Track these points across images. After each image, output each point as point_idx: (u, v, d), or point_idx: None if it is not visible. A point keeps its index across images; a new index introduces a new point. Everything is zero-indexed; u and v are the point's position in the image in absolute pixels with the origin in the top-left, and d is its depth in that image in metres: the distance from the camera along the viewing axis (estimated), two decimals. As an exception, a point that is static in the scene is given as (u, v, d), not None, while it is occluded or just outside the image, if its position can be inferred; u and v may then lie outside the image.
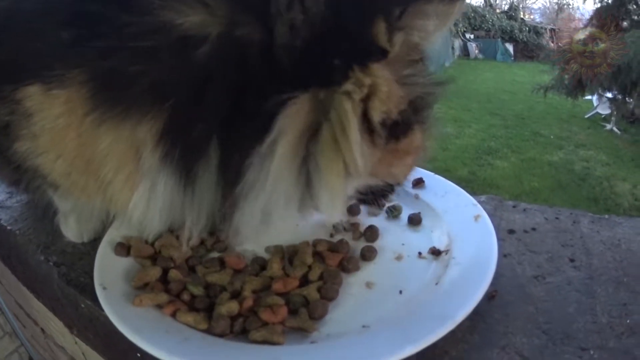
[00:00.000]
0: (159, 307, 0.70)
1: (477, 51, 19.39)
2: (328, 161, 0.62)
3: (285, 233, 0.84)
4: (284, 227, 0.81)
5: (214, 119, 0.60)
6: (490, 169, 7.82)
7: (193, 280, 0.74)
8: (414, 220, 0.90)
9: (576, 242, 0.83)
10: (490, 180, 7.23)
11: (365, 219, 0.92)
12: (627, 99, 8.49)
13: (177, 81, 0.59)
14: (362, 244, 0.84)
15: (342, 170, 0.63)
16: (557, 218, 0.91)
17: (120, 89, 0.60)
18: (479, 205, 0.87)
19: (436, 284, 0.73)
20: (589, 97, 9.51)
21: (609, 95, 8.80)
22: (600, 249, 0.81)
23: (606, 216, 0.91)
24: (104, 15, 0.59)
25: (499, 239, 0.78)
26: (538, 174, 7.59)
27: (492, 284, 0.69)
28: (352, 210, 0.92)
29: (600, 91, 8.78)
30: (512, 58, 19.13)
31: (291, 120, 0.59)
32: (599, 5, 8.59)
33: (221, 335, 0.66)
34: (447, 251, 0.80)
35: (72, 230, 0.91)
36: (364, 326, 0.66)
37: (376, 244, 0.84)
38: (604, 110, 9.60)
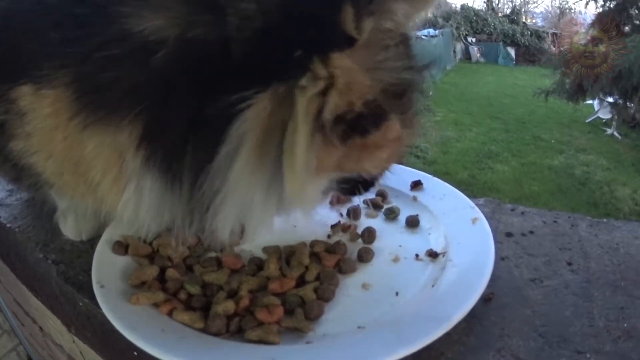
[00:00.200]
0: (156, 305, 0.70)
1: (478, 55, 19.40)
2: (288, 161, 0.59)
3: (282, 234, 0.84)
4: (281, 227, 0.81)
5: (183, 124, 0.58)
6: (490, 172, 7.84)
7: (190, 279, 0.74)
8: (412, 223, 0.90)
9: (574, 245, 0.83)
10: (491, 184, 7.24)
11: (362, 220, 0.92)
12: (628, 103, 8.50)
13: (144, 88, 0.58)
14: (359, 245, 0.84)
15: (301, 170, 0.59)
16: (555, 221, 0.91)
17: (98, 94, 0.60)
18: (476, 208, 0.87)
19: (433, 286, 0.73)
20: (590, 101, 9.53)
21: (610, 99, 8.82)
22: (598, 253, 0.81)
23: (604, 220, 0.91)
24: (85, 20, 0.59)
25: (496, 242, 0.78)
26: (538, 178, 7.61)
27: (489, 286, 0.69)
28: (353, 214, 0.92)
29: (601, 95, 8.79)
30: (514, 62, 19.14)
31: (251, 122, 0.56)
32: (600, 9, 8.60)
33: (217, 334, 0.66)
34: (444, 253, 0.79)
35: (70, 228, 0.91)
36: (359, 327, 0.66)
37: (373, 246, 0.84)
38: (605, 114, 9.62)
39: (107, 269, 0.77)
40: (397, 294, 0.73)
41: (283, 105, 0.56)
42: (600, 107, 9.63)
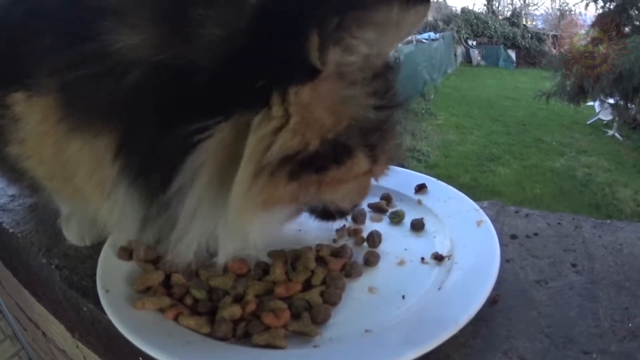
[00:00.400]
0: (162, 310, 0.70)
1: (479, 58, 19.41)
2: (232, 197, 0.57)
3: (287, 238, 0.84)
4: (286, 232, 0.82)
5: (150, 146, 0.58)
6: (492, 175, 7.84)
7: (196, 284, 0.74)
8: (417, 226, 0.90)
9: (578, 247, 0.83)
10: (493, 187, 7.24)
11: (367, 224, 0.92)
12: (629, 105, 8.50)
13: (118, 106, 0.58)
14: (364, 249, 0.84)
15: (240, 208, 0.58)
16: (559, 223, 0.91)
17: (80, 104, 0.60)
18: (481, 211, 0.87)
19: (439, 288, 0.73)
20: (591, 103, 9.53)
21: (611, 101, 8.82)
22: (602, 254, 0.81)
23: (608, 221, 0.91)
24: (71, 30, 0.59)
25: (501, 244, 0.78)
26: (540, 181, 7.61)
27: (495, 288, 0.69)
28: (358, 218, 0.92)
29: (602, 97, 8.79)
30: (515, 64, 19.13)
31: (208, 154, 0.55)
32: (600, 10, 8.61)
33: (223, 339, 0.66)
34: (449, 256, 0.79)
35: (74, 233, 0.91)
36: (366, 330, 0.66)
37: (379, 249, 0.84)
38: (606, 116, 9.62)
39: (112, 274, 0.77)
40: (403, 297, 0.73)
41: (241, 137, 0.55)
42: (601, 109, 9.63)
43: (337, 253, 0.81)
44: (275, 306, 0.69)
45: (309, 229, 0.87)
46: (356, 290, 0.75)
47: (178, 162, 0.56)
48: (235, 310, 0.68)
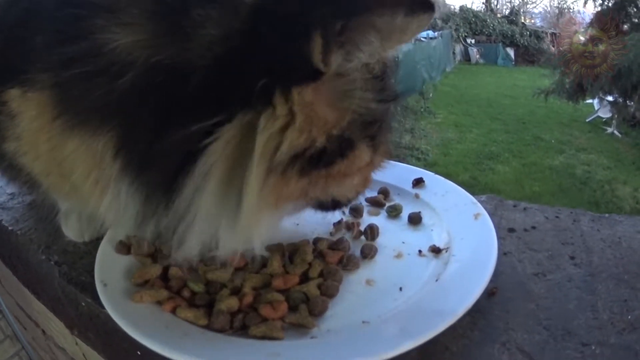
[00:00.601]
0: (159, 303, 0.70)
1: (478, 56, 19.41)
2: (244, 197, 0.57)
3: (285, 232, 0.84)
4: (284, 226, 0.82)
5: (150, 147, 0.57)
6: (491, 173, 7.85)
7: (193, 277, 0.74)
8: (414, 219, 0.90)
9: (576, 240, 0.83)
10: (492, 185, 7.25)
11: (365, 218, 0.92)
12: (628, 102, 8.50)
13: (114, 106, 0.57)
14: (362, 242, 0.84)
15: (253, 209, 0.58)
16: (557, 217, 0.91)
17: (76, 101, 0.60)
18: (478, 204, 0.88)
19: (436, 280, 0.73)
20: (589, 100, 9.53)
21: (610, 98, 8.82)
22: (600, 247, 0.81)
23: (606, 215, 0.91)
24: (65, 28, 0.59)
25: (499, 238, 0.78)
26: (539, 179, 7.62)
27: (493, 281, 0.69)
28: (356, 212, 0.92)
29: (601, 95, 8.79)
30: (513, 62, 19.14)
31: (217, 156, 0.55)
32: (599, 8, 8.61)
33: (221, 330, 0.66)
34: (447, 249, 0.80)
35: (72, 229, 0.91)
36: (363, 322, 0.66)
37: (376, 243, 0.84)
38: (605, 113, 9.62)
39: (110, 268, 0.78)
40: (400, 289, 0.73)
41: (248, 136, 0.55)
42: (600, 106, 9.64)
43: (335, 246, 0.81)
44: (272, 298, 0.69)
45: (307, 223, 0.87)
46: (353, 283, 0.76)
47: (184, 162, 0.56)
48: (233, 303, 0.69)
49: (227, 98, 0.54)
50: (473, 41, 19.99)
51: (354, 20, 0.51)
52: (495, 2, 23.87)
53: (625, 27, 8.13)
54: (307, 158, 0.58)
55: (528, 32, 20.18)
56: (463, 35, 19.55)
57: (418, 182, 0.99)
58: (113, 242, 0.83)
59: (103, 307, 0.70)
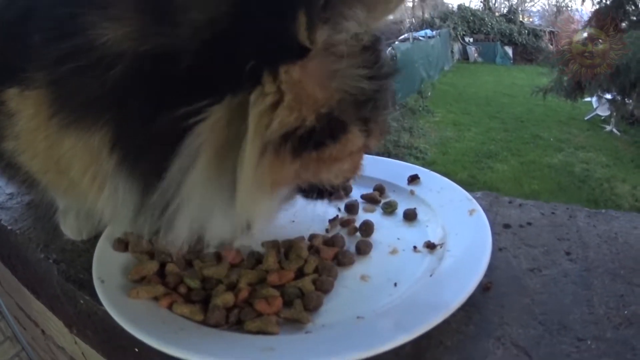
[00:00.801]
0: (156, 299, 0.70)
1: (476, 54, 19.39)
2: (240, 177, 0.57)
3: (281, 228, 0.85)
4: (279, 222, 0.83)
5: (142, 135, 0.58)
6: (490, 172, 7.86)
7: (190, 274, 0.75)
8: (409, 216, 0.90)
9: (572, 235, 0.84)
10: (490, 183, 7.26)
11: (360, 214, 0.93)
12: (626, 100, 8.50)
13: (107, 98, 0.58)
14: (357, 238, 0.85)
15: (250, 187, 0.58)
16: (553, 213, 0.91)
17: (71, 98, 0.61)
18: (473, 200, 0.88)
19: (430, 275, 0.73)
20: (588, 98, 9.52)
21: (609, 96, 8.81)
22: (596, 242, 0.81)
23: (602, 211, 0.91)
24: (59, 25, 0.59)
25: (494, 233, 0.78)
26: (538, 177, 7.63)
27: (487, 276, 0.70)
28: (351, 209, 0.93)
29: (599, 93, 8.79)
30: (511, 61, 19.10)
31: (205, 135, 0.56)
32: (597, 6, 8.60)
33: (216, 326, 0.66)
34: (441, 244, 0.80)
35: (71, 227, 0.92)
36: (358, 317, 0.67)
37: (371, 239, 0.85)
38: (604, 111, 9.62)
39: (107, 265, 0.78)
40: (395, 284, 0.73)
41: (238, 118, 0.55)
42: (598, 104, 9.63)
43: (330, 242, 0.82)
44: (267, 293, 0.70)
45: (302, 220, 0.88)
46: (348, 278, 0.76)
47: (173, 145, 0.56)
48: (228, 298, 0.69)
49: (216, 81, 0.55)
50: (471, 40, 19.96)
51: None
52: (493, 1, 23.83)
53: (624, 25, 8.13)
54: (297, 137, 0.58)
55: (526, 31, 20.14)
56: (461, 33, 19.52)
57: (413, 179, 1.00)
58: (111, 239, 0.83)
59: (101, 304, 0.70)
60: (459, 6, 21.01)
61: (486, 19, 20.40)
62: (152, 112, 0.56)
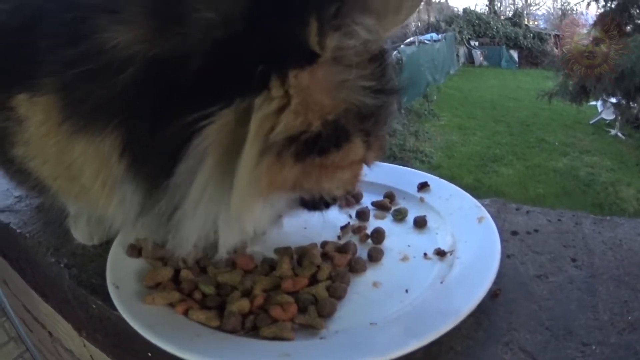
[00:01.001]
0: (171, 305, 0.71)
1: (481, 58, 19.33)
2: (236, 179, 0.57)
3: (293, 235, 0.86)
4: (291, 229, 0.83)
5: (152, 139, 0.58)
6: (495, 176, 7.84)
7: (204, 280, 0.76)
8: (419, 223, 0.91)
9: (578, 242, 0.84)
10: (496, 187, 7.24)
11: (371, 222, 0.94)
12: (631, 103, 8.48)
13: (117, 102, 0.58)
14: (368, 245, 0.86)
15: (244, 189, 0.58)
16: (559, 220, 0.92)
17: (81, 103, 0.61)
18: (482, 208, 0.89)
19: (441, 282, 0.74)
20: (593, 102, 9.50)
21: (613, 100, 8.79)
22: (601, 249, 0.82)
23: (608, 217, 0.92)
24: (68, 30, 0.59)
25: (502, 240, 0.79)
26: (543, 181, 7.61)
27: (496, 283, 0.71)
28: (362, 216, 0.94)
29: (604, 96, 8.77)
30: (517, 65, 19.02)
31: (212, 138, 0.56)
32: (602, 10, 8.59)
33: (232, 331, 0.67)
34: (451, 252, 0.81)
35: (82, 232, 0.92)
36: (371, 323, 0.68)
37: (382, 246, 0.86)
38: (609, 115, 9.59)
39: (121, 271, 0.79)
40: (406, 291, 0.74)
41: (244, 122, 0.55)
42: (603, 108, 9.61)
43: (342, 249, 0.83)
44: (282, 300, 0.71)
45: (314, 227, 0.88)
46: (361, 285, 0.77)
47: (181, 147, 0.56)
48: (244, 304, 0.70)
49: (226, 85, 0.55)
50: (477, 43, 19.91)
51: (348, 3, 0.52)
52: (499, 4, 23.77)
53: (628, 28, 8.12)
54: (302, 142, 0.58)
55: (531, 34, 20.07)
56: (467, 37, 19.47)
57: (423, 186, 1.01)
58: (124, 245, 0.84)
59: (114, 309, 0.71)
60: (465, 10, 20.98)
61: (491, 22, 20.34)
62: (162, 116, 0.57)
